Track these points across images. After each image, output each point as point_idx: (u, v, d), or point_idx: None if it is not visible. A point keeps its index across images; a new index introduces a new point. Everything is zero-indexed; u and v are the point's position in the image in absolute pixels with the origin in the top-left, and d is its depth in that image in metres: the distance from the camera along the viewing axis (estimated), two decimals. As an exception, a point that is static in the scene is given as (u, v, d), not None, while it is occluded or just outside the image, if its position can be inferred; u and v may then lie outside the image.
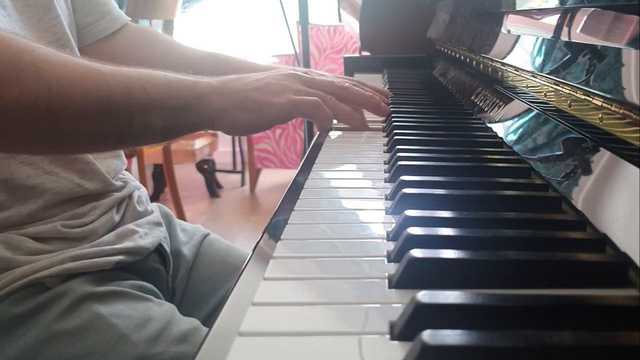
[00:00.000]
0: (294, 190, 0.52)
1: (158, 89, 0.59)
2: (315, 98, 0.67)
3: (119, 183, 0.73)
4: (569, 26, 0.54)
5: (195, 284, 0.80)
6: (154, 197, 3.23)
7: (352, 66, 1.49)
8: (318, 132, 0.78)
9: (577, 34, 0.51)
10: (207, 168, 3.49)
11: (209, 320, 0.71)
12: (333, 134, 0.75)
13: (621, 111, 0.40)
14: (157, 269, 0.74)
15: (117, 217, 0.71)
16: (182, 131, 0.64)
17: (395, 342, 0.27)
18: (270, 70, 0.70)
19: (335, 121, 0.74)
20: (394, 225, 0.42)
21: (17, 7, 0.65)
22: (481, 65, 0.87)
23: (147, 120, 0.59)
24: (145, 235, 0.71)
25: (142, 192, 0.79)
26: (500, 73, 0.77)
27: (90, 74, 0.56)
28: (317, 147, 0.69)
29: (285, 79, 0.68)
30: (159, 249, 0.75)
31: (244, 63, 0.93)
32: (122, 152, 0.78)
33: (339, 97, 0.72)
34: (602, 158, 0.42)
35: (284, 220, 0.44)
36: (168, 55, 0.91)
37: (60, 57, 0.55)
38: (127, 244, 0.68)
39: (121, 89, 0.57)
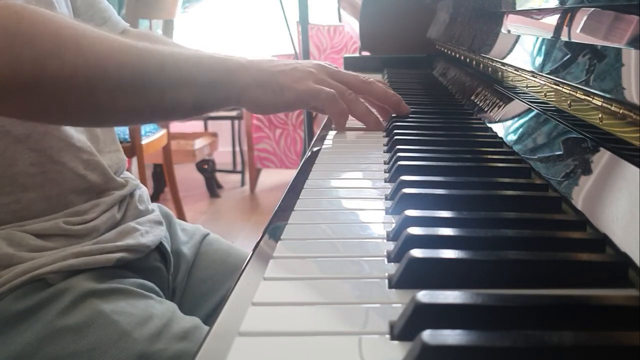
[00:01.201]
0: (294, 190, 0.52)
1: (190, 65, 0.62)
2: (332, 91, 0.69)
3: (120, 180, 0.74)
4: (569, 26, 0.54)
5: (195, 284, 0.80)
6: (154, 197, 3.23)
7: (352, 66, 1.49)
8: (318, 132, 0.78)
9: (577, 34, 0.51)
10: (207, 168, 3.49)
11: (209, 320, 0.71)
12: (333, 134, 0.75)
13: (621, 111, 0.40)
14: (158, 268, 0.74)
15: (118, 215, 0.72)
16: (211, 106, 0.67)
17: (395, 342, 0.27)
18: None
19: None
20: (394, 225, 0.42)
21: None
22: (481, 65, 0.87)
23: (178, 95, 0.62)
24: (146, 233, 0.72)
25: (143, 192, 0.80)
26: (500, 73, 0.77)
27: (125, 49, 0.59)
28: (317, 147, 0.69)
29: (312, 67, 0.70)
30: (159, 248, 0.75)
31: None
32: (121, 151, 0.78)
33: (361, 91, 0.74)
34: (602, 158, 0.42)
35: (284, 220, 0.44)
36: None
37: (98, 33, 0.58)
38: (129, 241, 0.68)
39: (155, 63, 0.60)
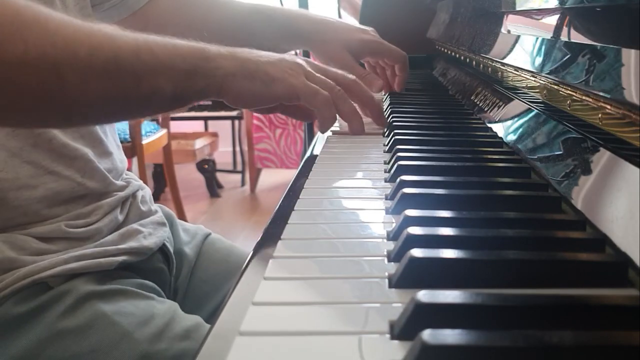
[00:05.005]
0: (294, 190, 0.52)
1: (166, 51, 0.58)
2: (328, 94, 0.65)
3: (120, 183, 0.74)
4: (569, 26, 0.54)
5: (197, 284, 0.80)
6: (155, 197, 3.22)
7: (352, 66, 1.49)
8: (318, 132, 0.78)
9: (577, 34, 0.51)
10: (207, 168, 3.49)
11: (211, 320, 0.71)
12: (333, 134, 0.75)
13: (621, 111, 0.40)
14: (161, 269, 0.74)
15: (120, 217, 0.71)
16: (190, 97, 0.61)
17: (396, 342, 0.27)
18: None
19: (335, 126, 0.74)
20: (394, 225, 0.42)
21: None
22: (481, 65, 0.87)
23: (155, 82, 0.57)
24: (149, 235, 0.72)
25: (146, 192, 0.80)
26: (500, 73, 0.77)
27: (96, 33, 0.54)
28: (317, 147, 0.69)
29: (300, 62, 0.66)
30: (162, 249, 0.75)
31: (293, 15, 0.92)
32: (122, 153, 0.78)
33: (349, 89, 0.70)
34: (602, 158, 0.42)
35: (284, 220, 0.44)
36: (209, 16, 0.90)
37: (64, 16, 0.54)
38: (131, 244, 0.68)
39: (129, 49, 0.55)
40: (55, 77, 0.51)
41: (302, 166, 0.61)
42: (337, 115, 0.69)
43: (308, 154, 0.68)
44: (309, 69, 0.66)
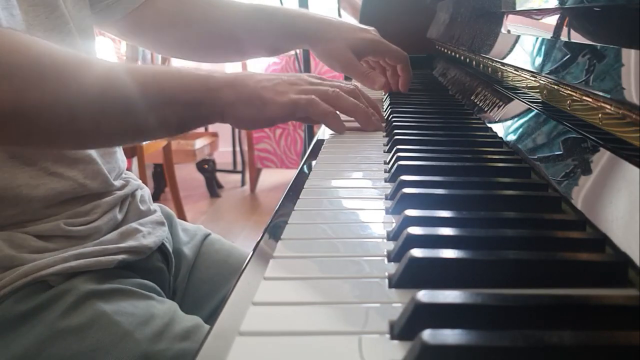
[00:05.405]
0: (294, 190, 0.52)
1: (173, 85, 0.61)
2: (311, 96, 0.67)
3: (119, 182, 0.74)
4: (569, 26, 0.54)
5: (196, 284, 0.80)
6: (155, 197, 3.23)
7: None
8: (318, 133, 0.78)
9: (577, 34, 0.51)
10: (207, 168, 3.49)
11: (210, 321, 0.71)
12: (333, 134, 0.75)
13: (621, 111, 0.40)
14: (160, 268, 0.75)
15: (119, 216, 0.72)
16: (195, 124, 0.66)
17: (396, 342, 0.27)
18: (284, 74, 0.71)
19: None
20: (394, 225, 0.42)
21: (23, 6, 0.65)
22: (481, 65, 0.87)
23: (163, 115, 0.61)
24: (148, 234, 0.72)
25: (145, 192, 0.80)
26: (500, 73, 0.77)
27: (107, 74, 0.58)
28: (317, 147, 0.69)
29: (294, 79, 0.69)
30: (161, 248, 0.75)
31: (295, 14, 0.93)
32: (122, 152, 0.78)
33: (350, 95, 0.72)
34: (602, 158, 0.42)
35: (284, 220, 0.44)
36: (209, 15, 0.91)
37: (78, 58, 0.58)
38: (131, 242, 0.69)
39: (137, 87, 0.59)
40: (70, 118, 0.56)
41: (302, 166, 0.62)
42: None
43: (308, 153, 0.68)
44: (304, 85, 0.69)
